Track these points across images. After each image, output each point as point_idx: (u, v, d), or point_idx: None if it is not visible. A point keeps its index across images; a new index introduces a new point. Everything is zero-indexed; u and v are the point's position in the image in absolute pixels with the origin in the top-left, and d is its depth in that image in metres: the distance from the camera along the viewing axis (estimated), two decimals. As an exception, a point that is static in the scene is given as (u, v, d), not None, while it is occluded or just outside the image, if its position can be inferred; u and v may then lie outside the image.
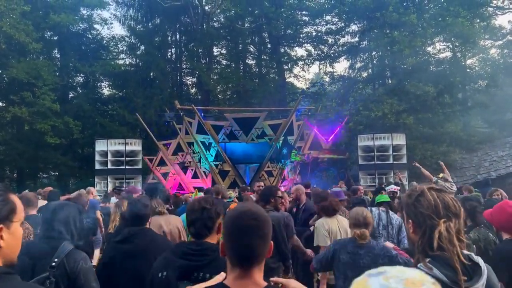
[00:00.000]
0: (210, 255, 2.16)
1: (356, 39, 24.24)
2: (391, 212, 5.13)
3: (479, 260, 1.69)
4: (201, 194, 8.20)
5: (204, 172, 16.84)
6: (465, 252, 1.68)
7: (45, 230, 2.59)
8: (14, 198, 1.55)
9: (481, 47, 21.18)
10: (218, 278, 1.55)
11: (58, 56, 24.67)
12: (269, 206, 4.52)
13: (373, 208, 5.14)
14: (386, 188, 8.66)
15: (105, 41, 26.38)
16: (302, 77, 29.82)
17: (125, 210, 5.17)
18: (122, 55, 27.68)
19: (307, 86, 29.86)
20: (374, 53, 22.53)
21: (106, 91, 27.52)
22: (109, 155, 15.82)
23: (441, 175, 10.08)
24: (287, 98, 27.21)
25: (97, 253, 7.26)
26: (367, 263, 3.49)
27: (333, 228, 4.68)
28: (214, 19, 27.34)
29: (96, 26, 25.67)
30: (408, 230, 1.80)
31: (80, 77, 26.13)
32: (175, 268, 2.16)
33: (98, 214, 7.48)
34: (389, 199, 5.30)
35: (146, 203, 3.31)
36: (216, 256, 2.14)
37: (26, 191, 7.74)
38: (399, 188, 8.36)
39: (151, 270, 2.29)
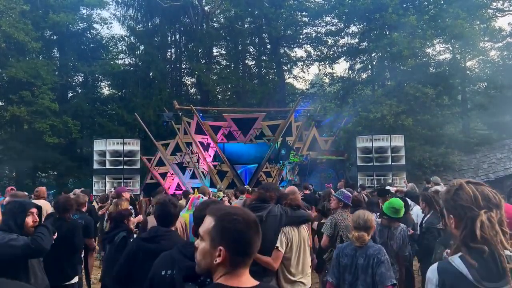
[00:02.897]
0: None
1: (356, 40, 24.22)
2: (393, 227, 4.74)
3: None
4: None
5: (202, 172, 16.83)
6: (508, 252, 1.63)
7: None
8: None
9: (480, 49, 21.10)
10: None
11: (58, 55, 24.67)
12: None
13: (378, 220, 4.95)
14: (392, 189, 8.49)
15: (104, 41, 26.39)
16: (301, 78, 29.88)
17: (112, 211, 5.18)
18: (121, 55, 27.73)
19: (307, 87, 29.88)
20: (373, 54, 22.50)
21: (105, 91, 27.54)
22: (107, 154, 15.79)
23: (432, 178, 10.17)
24: (287, 99, 27.21)
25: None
26: (362, 264, 3.52)
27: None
28: (214, 19, 27.36)
29: (95, 25, 25.73)
30: (450, 226, 1.77)
31: (79, 77, 26.16)
32: (181, 269, 2.13)
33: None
34: (397, 217, 4.68)
35: (175, 203, 3.25)
36: None
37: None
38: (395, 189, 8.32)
39: (152, 266, 2.25)
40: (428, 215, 5.41)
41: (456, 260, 1.66)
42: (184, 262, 2.16)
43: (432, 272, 1.73)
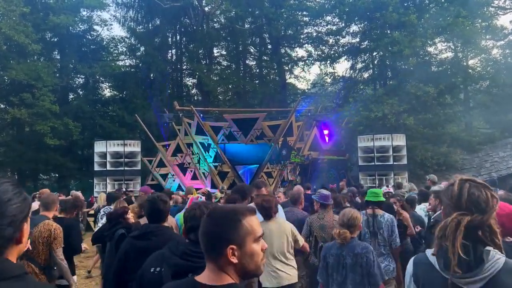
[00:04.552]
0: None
1: (357, 39, 24.15)
2: (379, 215, 4.84)
3: (492, 257, 1.59)
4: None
5: (203, 173, 16.79)
6: (489, 248, 1.61)
7: None
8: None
9: (482, 47, 21.04)
10: None
11: (58, 57, 24.65)
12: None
13: (362, 212, 5.03)
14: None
15: (105, 42, 26.35)
16: (302, 77, 29.77)
17: (110, 213, 5.24)
18: (122, 56, 27.70)
19: (308, 87, 29.80)
20: (374, 53, 22.43)
21: (106, 93, 27.52)
22: (108, 156, 15.79)
23: (428, 176, 10.16)
24: (288, 99, 27.13)
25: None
26: (349, 263, 3.56)
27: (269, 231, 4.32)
28: (214, 20, 27.30)
29: (96, 27, 25.66)
30: (442, 219, 1.78)
31: (80, 79, 26.14)
32: (170, 266, 2.14)
33: None
34: (378, 200, 4.91)
35: (165, 200, 3.26)
36: None
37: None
38: (392, 190, 8.27)
39: (143, 265, 2.26)
40: (439, 211, 5.38)
41: (429, 252, 1.75)
42: (173, 259, 2.17)
43: (410, 263, 1.85)
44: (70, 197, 8.92)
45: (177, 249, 2.23)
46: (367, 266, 3.50)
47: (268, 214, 4.44)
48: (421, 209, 6.49)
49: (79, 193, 11.08)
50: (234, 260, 1.39)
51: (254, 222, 1.47)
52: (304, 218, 5.49)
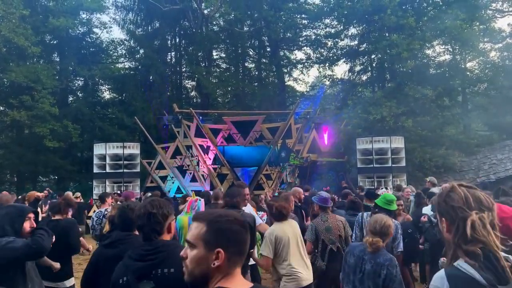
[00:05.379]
0: (165, 251, 2.21)
1: (355, 42, 24.25)
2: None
3: None
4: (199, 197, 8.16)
5: (203, 175, 16.81)
6: (503, 254, 1.58)
7: None
8: None
9: (480, 50, 21.13)
10: None
11: (58, 60, 24.71)
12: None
13: (365, 214, 4.98)
14: (379, 192, 8.59)
15: (104, 45, 26.43)
16: (301, 80, 29.82)
17: (112, 214, 5.23)
18: (121, 59, 27.74)
19: (307, 89, 29.86)
20: (373, 56, 22.51)
21: (105, 95, 27.58)
22: (107, 158, 15.83)
23: (428, 178, 10.15)
24: (287, 101, 27.19)
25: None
26: (368, 269, 3.39)
27: (283, 234, 4.33)
28: (214, 22, 27.38)
29: (95, 30, 25.79)
30: (443, 230, 1.71)
31: (79, 81, 26.21)
32: (133, 271, 2.19)
33: None
34: (390, 209, 4.73)
35: (134, 208, 3.26)
36: (171, 250, 2.19)
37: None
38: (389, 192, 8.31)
39: (111, 277, 2.30)
40: None
41: (463, 265, 1.55)
42: (133, 265, 2.23)
43: (441, 279, 1.59)
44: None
45: (135, 253, 2.29)
46: (386, 279, 3.32)
47: (283, 215, 4.42)
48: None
49: (70, 194, 10.96)
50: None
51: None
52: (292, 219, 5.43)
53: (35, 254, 3.24)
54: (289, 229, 4.37)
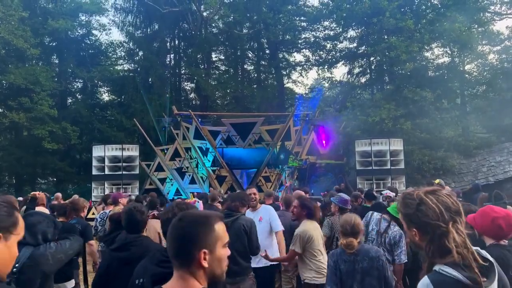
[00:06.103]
0: None
1: (354, 44, 24.30)
2: (392, 224, 4.58)
3: (488, 255, 1.65)
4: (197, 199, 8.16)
5: (202, 177, 16.80)
6: (473, 248, 1.63)
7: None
8: (19, 214, 1.60)
9: (479, 53, 21.19)
10: None
11: (57, 61, 24.72)
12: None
13: (375, 213, 4.92)
14: (382, 193, 8.60)
15: (103, 47, 26.43)
16: (300, 82, 29.87)
17: (112, 214, 5.23)
18: (120, 61, 27.77)
19: (306, 91, 29.90)
20: (372, 58, 22.55)
21: (104, 97, 27.57)
22: (106, 160, 15.80)
23: (437, 181, 10.11)
24: (286, 103, 27.23)
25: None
26: (366, 267, 3.46)
27: (314, 233, 4.59)
28: (213, 25, 27.39)
29: (94, 32, 25.79)
30: (413, 236, 1.72)
31: (78, 83, 26.22)
32: (151, 276, 2.20)
33: None
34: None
35: (142, 210, 3.28)
36: None
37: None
38: (394, 194, 8.27)
39: (126, 275, 2.31)
40: None
41: (445, 268, 1.58)
42: (151, 269, 2.25)
43: (427, 286, 1.61)
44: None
45: (155, 258, 2.30)
46: (383, 269, 3.45)
47: (312, 213, 4.66)
48: None
49: (77, 196, 11.05)
50: (205, 264, 1.42)
51: (222, 228, 1.50)
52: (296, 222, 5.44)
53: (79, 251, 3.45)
54: (318, 228, 4.74)
